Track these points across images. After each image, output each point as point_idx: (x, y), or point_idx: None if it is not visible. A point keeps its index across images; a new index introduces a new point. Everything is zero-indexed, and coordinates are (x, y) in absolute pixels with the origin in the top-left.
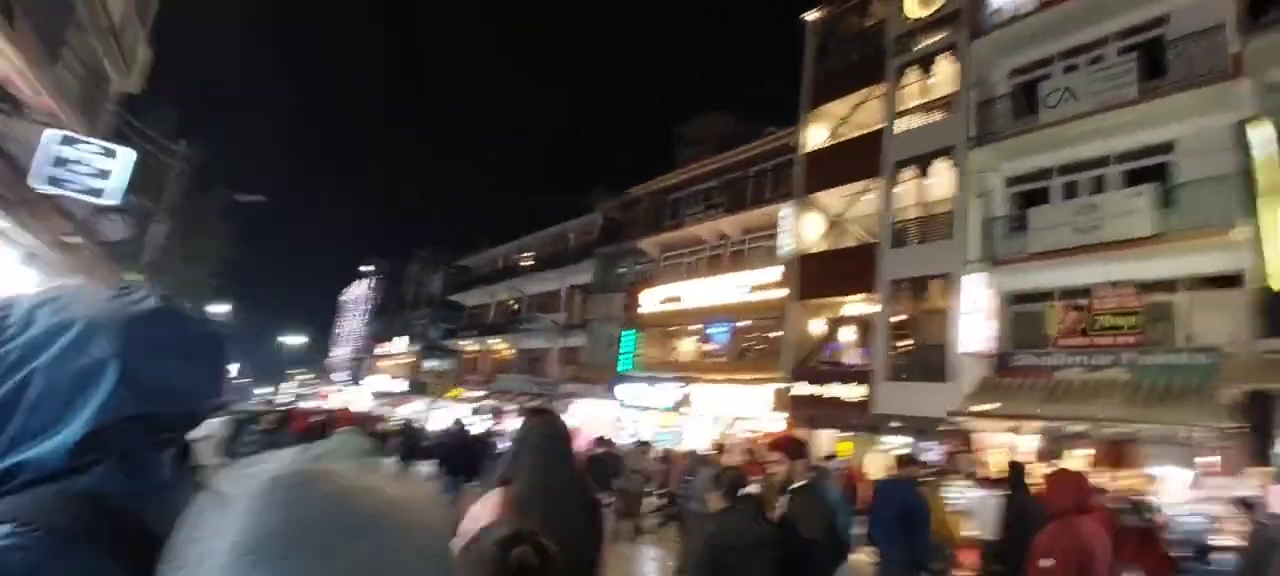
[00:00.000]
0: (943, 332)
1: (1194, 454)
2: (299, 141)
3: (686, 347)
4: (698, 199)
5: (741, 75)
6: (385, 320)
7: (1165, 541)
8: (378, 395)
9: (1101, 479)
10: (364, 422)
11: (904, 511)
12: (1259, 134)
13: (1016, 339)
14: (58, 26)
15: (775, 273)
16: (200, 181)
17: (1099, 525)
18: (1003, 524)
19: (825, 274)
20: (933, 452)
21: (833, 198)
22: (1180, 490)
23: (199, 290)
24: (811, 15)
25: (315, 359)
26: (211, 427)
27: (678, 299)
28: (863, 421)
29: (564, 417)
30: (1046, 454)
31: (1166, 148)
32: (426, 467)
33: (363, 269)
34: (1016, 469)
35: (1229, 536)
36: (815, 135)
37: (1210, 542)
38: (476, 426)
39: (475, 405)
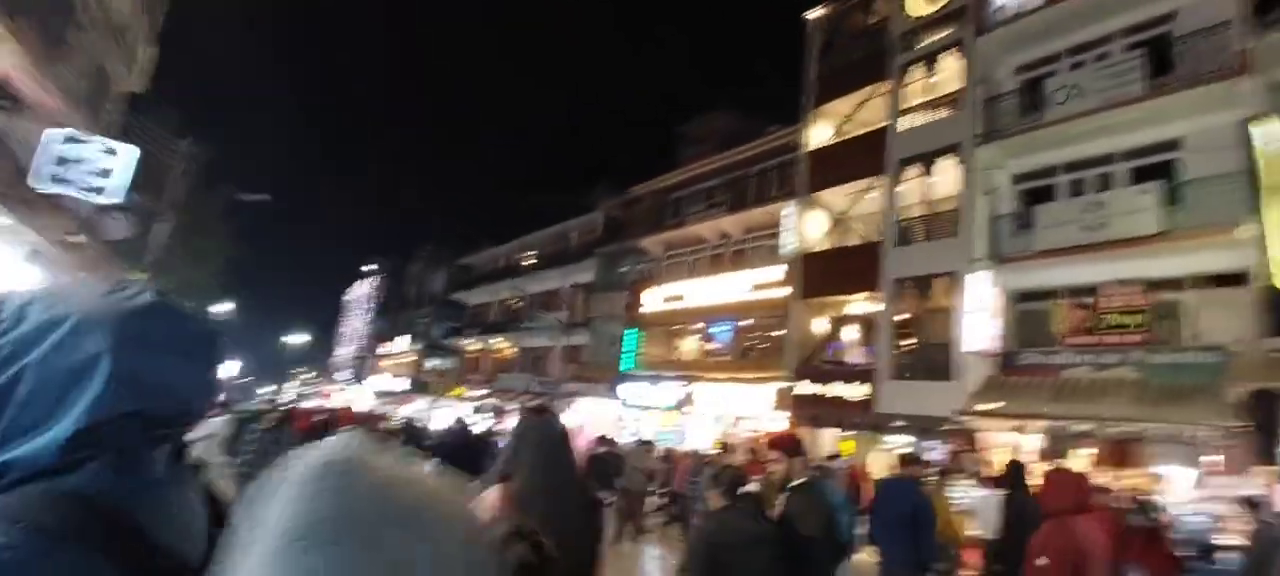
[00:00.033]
0: (947, 331)
1: (1199, 453)
2: (300, 141)
3: (689, 346)
4: (700, 197)
5: (742, 75)
6: (388, 319)
7: (1170, 541)
8: (380, 394)
9: (1107, 478)
10: (366, 422)
11: (911, 511)
12: (1265, 132)
13: (1022, 337)
14: (60, 26)
15: (778, 271)
16: (205, 180)
17: (1096, 524)
18: (1003, 523)
19: (828, 272)
20: (936, 452)
21: (836, 196)
22: (1185, 489)
23: (202, 289)
24: (814, 13)
25: (318, 358)
26: (213, 426)
27: (680, 298)
28: (866, 420)
29: (566, 416)
30: (1051, 453)
31: (1173, 145)
32: (428, 466)
33: (365, 268)
34: (1016, 468)
35: (1234, 536)
36: (818, 133)
37: (1215, 542)
38: (479, 425)
39: (477, 404)
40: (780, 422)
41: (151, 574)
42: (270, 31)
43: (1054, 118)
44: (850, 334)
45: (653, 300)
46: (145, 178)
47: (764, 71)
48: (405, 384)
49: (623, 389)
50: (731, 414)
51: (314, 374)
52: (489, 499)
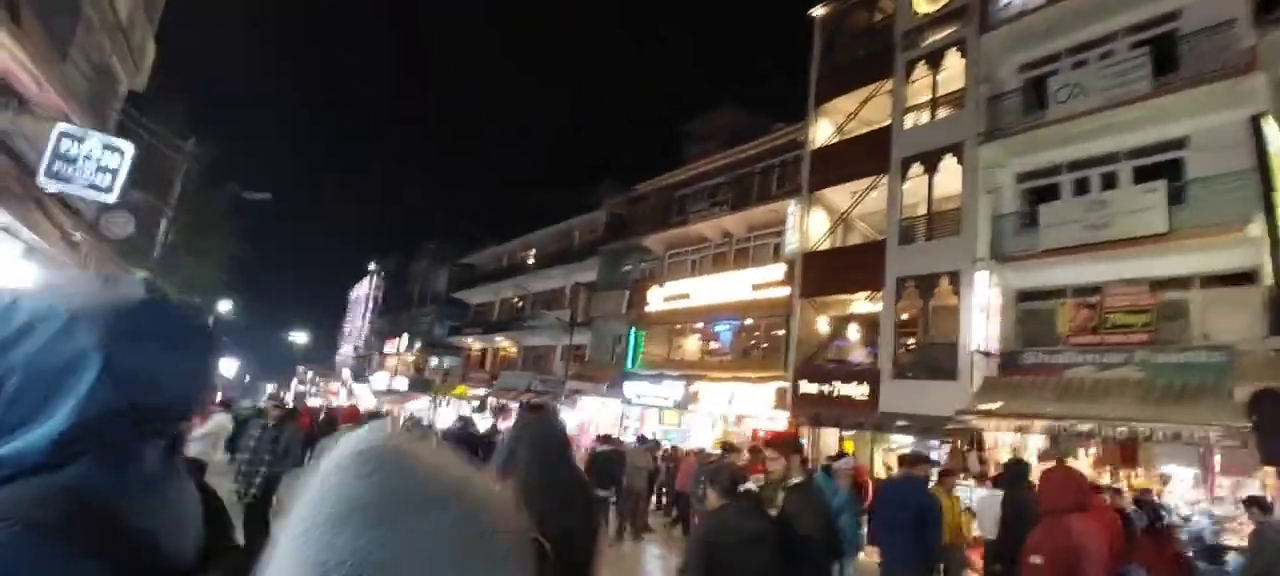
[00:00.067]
0: (950, 330)
1: (1205, 454)
2: (304, 140)
3: (691, 345)
4: (703, 196)
5: (745, 73)
6: (391, 317)
7: (1175, 541)
8: (382, 392)
9: (1110, 478)
10: (368, 420)
11: (915, 512)
12: (1272, 129)
13: (1025, 337)
14: (65, 24)
15: (781, 270)
16: (208, 179)
17: (1095, 524)
18: (1003, 522)
19: (831, 271)
20: (938, 451)
21: (839, 194)
22: (1191, 489)
23: (206, 287)
24: (819, 10)
25: (322, 356)
26: (217, 423)
27: (683, 296)
28: (868, 420)
29: (569, 415)
30: (1054, 453)
31: (1178, 143)
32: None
33: (369, 266)
34: (1015, 467)
35: (1239, 536)
36: (822, 131)
37: (1221, 542)
38: (481, 424)
39: (479, 402)
40: (782, 422)
41: (144, 571)
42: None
43: (1057, 116)
44: (853, 333)
45: (655, 299)
46: (149, 177)
47: (767, 69)
48: (407, 382)
49: (625, 387)
50: (733, 413)
51: (316, 372)
52: None
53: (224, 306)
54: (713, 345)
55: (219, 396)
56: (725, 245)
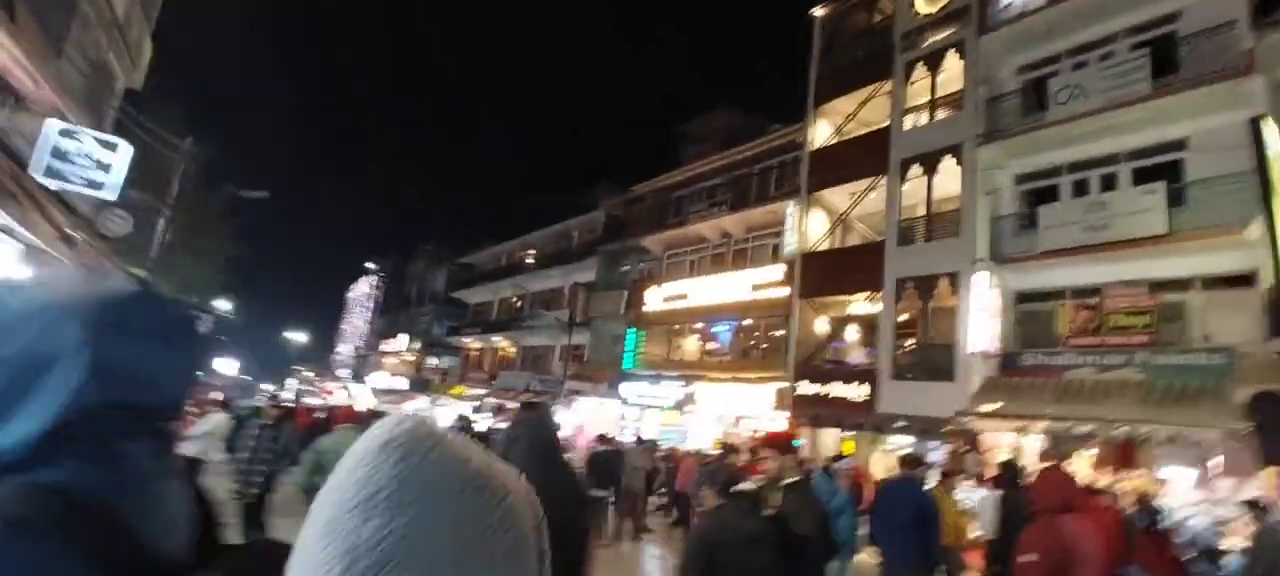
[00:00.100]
0: (949, 331)
1: (1204, 455)
2: (301, 140)
3: (690, 346)
4: (702, 196)
5: (742, 74)
6: (389, 317)
7: (1174, 543)
8: (380, 392)
9: (1110, 480)
10: (366, 419)
11: (914, 513)
12: (1272, 132)
13: (1024, 338)
14: (60, 20)
15: (779, 271)
16: (206, 179)
17: (1089, 524)
18: (999, 522)
19: (830, 272)
20: (937, 452)
21: (838, 195)
22: (1190, 491)
23: (203, 287)
24: (819, 11)
25: (320, 355)
26: (215, 422)
27: (681, 297)
28: (867, 421)
29: (567, 415)
30: (1053, 454)
31: (1178, 145)
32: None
33: (367, 266)
34: (1010, 468)
35: (1238, 538)
36: (821, 132)
37: (1220, 545)
38: (480, 424)
39: (478, 403)
40: (781, 423)
41: (131, 570)
42: (271, 32)
43: (1057, 117)
44: (851, 334)
45: (654, 299)
46: (147, 176)
47: (765, 70)
48: (405, 382)
49: (624, 388)
50: (732, 413)
51: (314, 372)
52: None
53: (222, 306)
54: (712, 346)
55: (218, 395)
56: (724, 246)
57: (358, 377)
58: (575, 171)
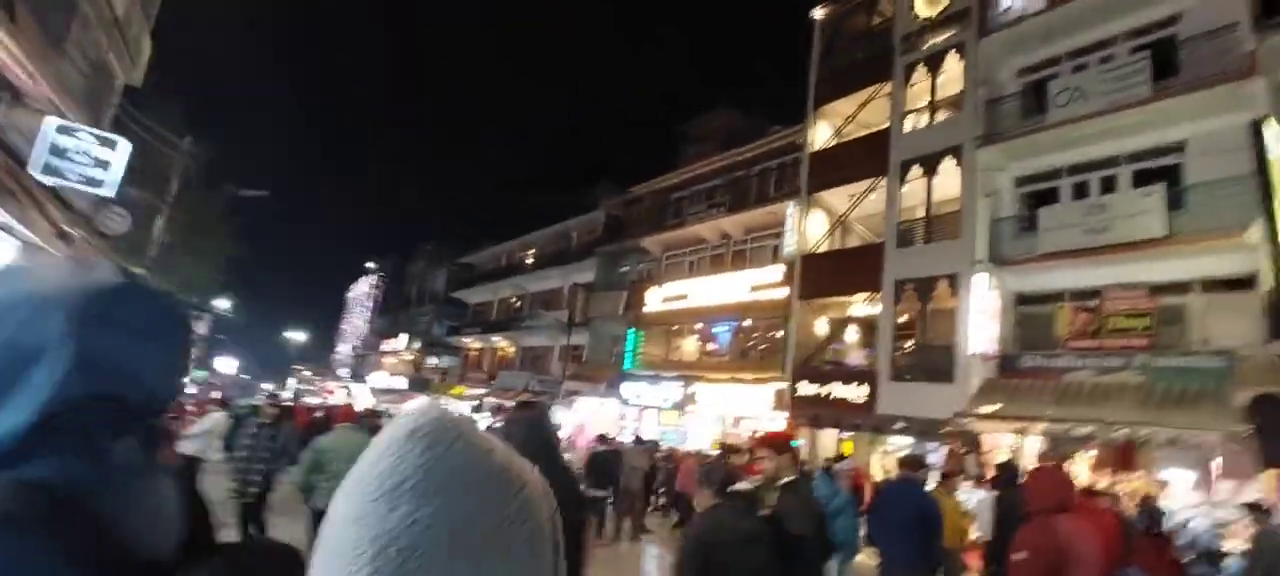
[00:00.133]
0: (949, 333)
1: (1204, 458)
2: (301, 140)
3: (689, 346)
4: (701, 197)
5: (742, 75)
6: (389, 317)
7: (1174, 545)
8: (379, 392)
9: (1109, 482)
10: (364, 418)
11: (914, 515)
12: (1273, 134)
13: (1023, 340)
14: (60, 18)
15: (778, 272)
16: (205, 179)
17: (1085, 525)
18: (995, 522)
19: (829, 273)
20: (936, 453)
21: (837, 197)
22: (1190, 494)
23: (204, 287)
24: (819, 13)
25: (320, 355)
26: (213, 421)
27: (680, 297)
28: (866, 422)
29: (567, 415)
30: (1052, 456)
31: (1178, 148)
32: None
33: (367, 266)
34: (1007, 469)
35: (1239, 541)
36: (821, 133)
37: (1220, 547)
38: (480, 424)
39: (477, 402)
40: (780, 423)
41: (116, 566)
42: (270, 31)
43: (1057, 120)
44: (851, 335)
45: (653, 300)
46: (146, 174)
47: (765, 71)
48: (405, 382)
49: (623, 388)
50: (732, 414)
51: (314, 371)
52: None
53: (222, 305)
54: (711, 346)
55: (217, 395)
56: (723, 247)
57: (357, 377)
58: (575, 172)
